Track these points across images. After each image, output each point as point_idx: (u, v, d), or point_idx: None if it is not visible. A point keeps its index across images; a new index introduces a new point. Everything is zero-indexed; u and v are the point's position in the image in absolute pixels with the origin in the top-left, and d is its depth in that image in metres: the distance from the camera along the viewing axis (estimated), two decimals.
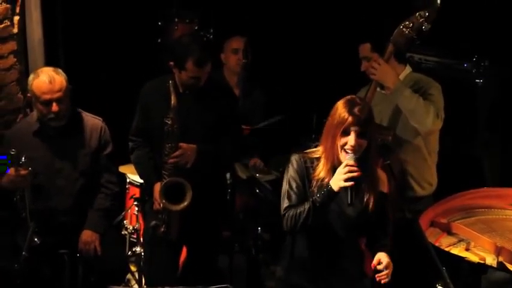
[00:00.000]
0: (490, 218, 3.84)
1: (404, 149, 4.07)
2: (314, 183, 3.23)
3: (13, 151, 3.83)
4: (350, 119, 3.11)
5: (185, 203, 3.93)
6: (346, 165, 3.10)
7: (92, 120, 4.18)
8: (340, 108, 3.15)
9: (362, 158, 3.17)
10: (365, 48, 4.17)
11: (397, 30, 3.91)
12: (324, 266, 3.32)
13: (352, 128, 3.12)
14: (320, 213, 3.17)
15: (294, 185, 3.26)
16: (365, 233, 3.37)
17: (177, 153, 3.93)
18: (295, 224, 3.19)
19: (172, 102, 3.89)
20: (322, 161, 3.24)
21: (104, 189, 4.19)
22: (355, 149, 3.12)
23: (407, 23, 3.86)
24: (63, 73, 4.03)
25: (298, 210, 3.19)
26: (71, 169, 4.10)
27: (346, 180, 3.09)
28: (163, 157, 3.97)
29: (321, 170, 3.23)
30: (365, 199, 3.25)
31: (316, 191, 3.20)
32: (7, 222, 4.09)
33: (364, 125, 3.13)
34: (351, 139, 3.12)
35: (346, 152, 3.14)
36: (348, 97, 3.22)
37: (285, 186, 3.28)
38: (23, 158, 3.84)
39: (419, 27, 3.83)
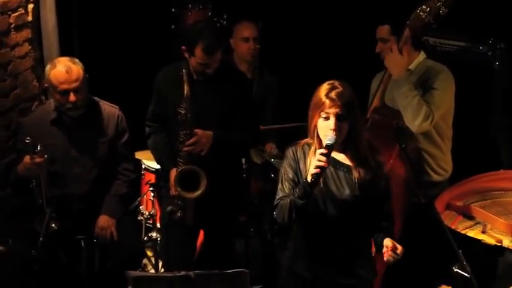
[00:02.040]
0: (506, 200, 3.83)
1: (416, 136, 4.06)
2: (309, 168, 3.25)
3: (28, 139, 3.85)
4: (327, 102, 3.14)
5: (199, 191, 3.94)
6: (318, 155, 3.12)
7: (108, 109, 4.20)
8: (319, 92, 3.19)
9: (350, 142, 3.22)
10: (383, 30, 4.14)
11: (414, 15, 3.88)
12: (320, 253, 3.31)
13: (330, 111, 3.14)
14: (301, 206, 3.19)
15: (286, 179, 3.30)
16: (360, 215, 3.31)
17: (191, 140, 3.94)
18: (283, 217, 3.26)
19: (185, 91, 3.91)
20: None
21: (121, 176, 4.21)
22: (336, 133, 3.14)
23: (424, 7, 3.83)
24: (79, 62, 4.04)
25: (284, 203, 3.24)
26: (88, 157, 4.11)
27: (315, 169, 3.11)
28: (178, 144, 3.98)
29: (311, 154, 3.27)
30: (353, 179, 3.24)
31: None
32: (25, 208, 4.13)
33: (342, 108, 3.14)
34: (330, 123, 3.15)
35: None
36: (329, 81, 3.23)
37: (279, 180, 3.34)
38: (39, 146, 3.86)
39: (437, 11, 3.81)
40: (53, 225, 3.92)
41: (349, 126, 3.18)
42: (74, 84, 3.96)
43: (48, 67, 4.04)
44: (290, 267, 3.42)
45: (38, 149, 3.86)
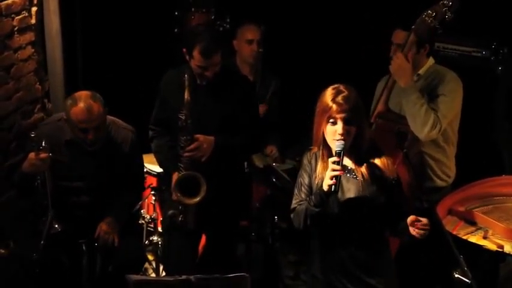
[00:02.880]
0: (508, 205, 3.82)
1: (422, 141, 4.05)
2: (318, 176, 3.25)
3: (33, 133, 3.85)
4: (334, 107, 3.12)
5: (199, 197, 3.93)
6: (331, 164, 3.11)
7: (122, 132, 4.19)
8: (325, 97, 3.17)
9: (354, 145, 3.21)
10: (401, 35, 4.12)
11: (419, 20, 3.87)
12: (331, 257, 3.30)
13: (338, 116, 3.13)
14: (317, 214, 3.18)
15: (302, 184, 3.30)
16: (369, 218, 3.28)
17: (192, 146, 3.93)
18: (299, 222, 3.25)
19: (185, 97, 3.90)
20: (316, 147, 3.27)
21: (132, 186, 4.23)
22: (344, 137, 3.13)
23: (430, 12, 3.83)
24: (100, 98, 4.00)
25: (300, 209, 3.23)
26: (98, 176, 4.11)
27: (331, 179, 3.10)
28: (179, 149, 3.98)
29: (320, 161, 3.27)
30: (358, 182, 3.23)
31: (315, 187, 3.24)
32: (29, 210, 4.13)
33: (350, 112, 3.13)
34: (338, 127, 3.13)
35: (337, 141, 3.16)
36: (334, 85, 3.21)
37: (296, 185, 3.33)
38: (43, 143, 3.86)
39: (442, 16, 3.80)
40: (56, 226, 3.92)
41: (356, 130, 3.18)
42: (94, 124, 3.94)
43: (68, 102, 3.98)
44: (308, 269, 3.44)
45: (43, 145, 3.85)
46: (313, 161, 3.30)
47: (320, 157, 3.26)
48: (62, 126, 4.12)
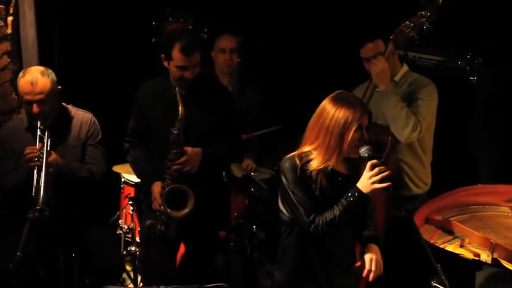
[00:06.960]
0: (484, 214, 3.84)
1: (400, 148, 4.08)
2: (318, 180, 3.20)
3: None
4: (360, 113, 3.12)
5: (187, 210, 3.92)
6: (374, 166, 3.09)
7: (81, 115, 4.17)
8: (346, 106, 3.13)
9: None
10: (367, 49, 4.13)
11: (398, 30, 3.92)
12: (322, 256, 3.30)
13: (364, 122, 3.14)
14: (351, 216, 3.17)
15: (301, 193, 3.19)
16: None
17: (181, 160, 3.92)
18: (327, 230, 3.17)
19: (180, 112, 3.86)
20: (319, 158, 3.18)
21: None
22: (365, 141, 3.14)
23: (408, 22, 3.87)
24: (51, 74, 3.99)
25: (328, 218, 3.16)
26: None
27: (381, 182, 3.09)
28: (167, 162, 3.95)
29: (316, 167, 3.19)
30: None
31: (325, 185, 3.18)
32: (6, 222, 4.09)
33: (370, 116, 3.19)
34: (364, 133, 3.14)
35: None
36: (339, 93, 3.21)
37: (292, 197, 3.20)
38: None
39: (421, 27, 3.85)
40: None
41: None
42: (38, 97, 3.92)
43: (20, 74, 4.02)
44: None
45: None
46: (310, 173, 3.19)
47: (321, 169, 3.17)
48: (21, 116, 4.14)
